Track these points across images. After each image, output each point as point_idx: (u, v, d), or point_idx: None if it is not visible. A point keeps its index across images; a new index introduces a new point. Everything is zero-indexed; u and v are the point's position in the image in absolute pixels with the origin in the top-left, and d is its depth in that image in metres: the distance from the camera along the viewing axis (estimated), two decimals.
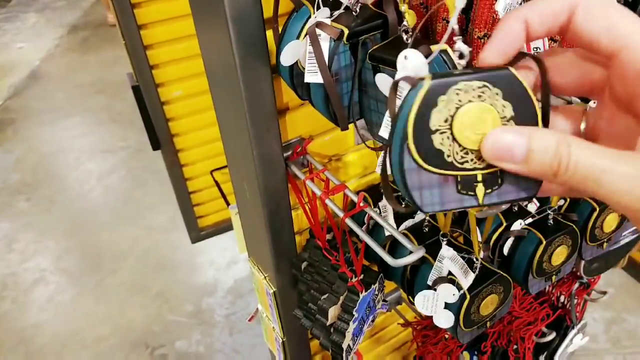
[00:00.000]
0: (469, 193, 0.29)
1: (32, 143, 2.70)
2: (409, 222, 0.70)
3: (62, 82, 3.20)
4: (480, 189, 0.29)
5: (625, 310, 1.75)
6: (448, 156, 0.28)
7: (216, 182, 1.37)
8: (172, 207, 1.90)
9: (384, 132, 0.35)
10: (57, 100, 3.03)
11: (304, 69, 0.46)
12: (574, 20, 0.27)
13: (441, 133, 0.28)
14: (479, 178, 0.28)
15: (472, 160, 0.28)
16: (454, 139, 0.28)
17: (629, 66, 0.26)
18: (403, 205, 0.36)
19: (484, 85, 0.27)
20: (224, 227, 1.60)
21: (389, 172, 0.31)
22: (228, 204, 1.29)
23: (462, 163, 0.28)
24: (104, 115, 2.87)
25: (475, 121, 0.27)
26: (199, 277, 1.93)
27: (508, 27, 0.27)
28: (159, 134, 1.28)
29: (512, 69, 0.27)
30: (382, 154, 0.51)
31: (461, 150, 0.28)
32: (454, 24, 0.28)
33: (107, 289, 1.91)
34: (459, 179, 0.28)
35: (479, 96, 0.27)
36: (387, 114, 0.33)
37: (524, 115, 0.27)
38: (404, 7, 0.36)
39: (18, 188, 2.41)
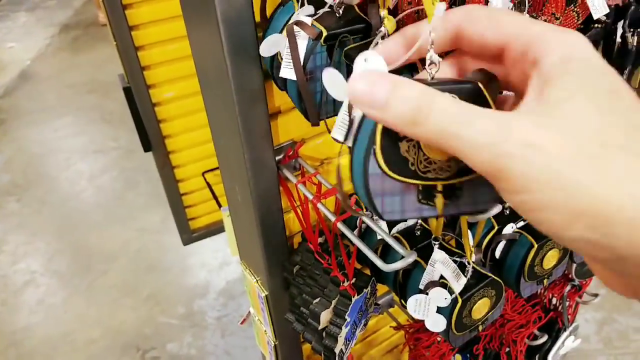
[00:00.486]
0: (429, 203, 0.29)
1: (22, 143, 2.68)
2: (401, 226, 0.69)
3: (53, 82, 3.18)
4: (439, 200, 0.29)
5: (616, 310, 1.76)
6: (412, 164, 0.28)
7: (208, 184, 1.36)
8: (164, 208, 1.89)
9: (338, 133, 0.34)
10: (48, 100, 3.00)
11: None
12: (462, 29, 0.28)
13: (408, 141, 0.28)
14: (439, 188, 0.29)
15: (434, 170, 0.28)
16: (419, 148, 0.28)
17: (515, 53, 0.26)
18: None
19: (452, 96, 0.27)
20: (216, 229, 1.59)
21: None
22: (220, 205, 1.28)
23: (424, 172, 0.28)
24: (95, 115, 2.85)
25: None
26: (190, 279, 1.92)
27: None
28: (150, 136, 1.28)
29: (479, 83, 0.27)
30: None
31: (425, 160, 0.28)
32: (431, 30, 0.28)
33: (98, 290, 1.90)
34: (420, 188, 0.29)
35: None
36: (341, 114, 0.32)
37: None
38: (383, 12, 0.36)
39: (8, 189, 2.39)
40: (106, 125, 2.76)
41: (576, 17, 0.56)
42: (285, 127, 0.63)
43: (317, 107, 0.46)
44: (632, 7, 0.58)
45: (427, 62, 0.29)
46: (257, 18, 0.50)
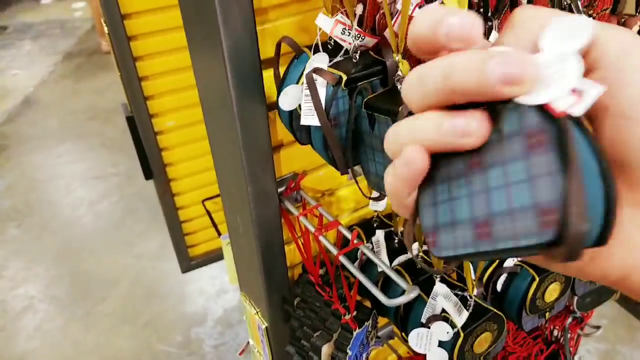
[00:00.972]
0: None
1: (24, 169, 2.69)
2: (402, 258, 0.69)
3: (55, 109, 3.20)
4: None
5: (619, 341, 1.74)
6: None
7: (207, 211, 1.36)
8: (163, 234, 1.89)
9: None
10: (50, 127, 3.02)
11: None
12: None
13: None
14: None
15: None
16: None
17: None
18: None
19: None
20: (214, 256, 1.58)
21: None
22: (219, 233, 1.28)
23: None
24: (95, 141, 2.87)
25: None
26: (188, 307, 1.90)
27: None
28: (152, 164, 1.28)
29: None
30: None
31: None
32: None
33: (96, 317, 1.88)
34: None
35: None
36: None
37: None
38: (397, 57, 0.36)
39: (9, 214, 2.38)
40: (106, 152, 2.77)
41: None
42: (287, 160, 0.64)
43: (344, 154, 0.46)
44: None
45: None
46: (263, 55, 0.51)
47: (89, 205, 2.41)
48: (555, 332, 0.98)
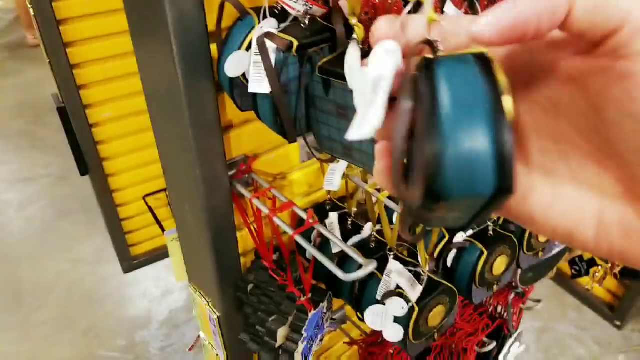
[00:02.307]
0: None
1: None
2: (355, 238, 0.70)
3: None
4: None
5: (552, 319, 1.84)
6: None
7: (150, 207, 1.31)
8: (101, 236, 1.81)
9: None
10: None
11: (246, 79, 0.45)
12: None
13: None
14: None
15: None
16: None
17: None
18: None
19: None
20: (158, 255, 1.53)
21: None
22: (163, 230, 1.24)
23: None
24: (23, 141, 2.70)
25: None
26: (131, 310, 1.83)
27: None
28: (87, 158, 1.22)
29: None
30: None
31: None
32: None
33: (30, 326, 1.77)
34: None
35: None
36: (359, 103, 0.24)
37: None
38: (354, 21, 0.36)
39: None
40: (35, 152, 2.61)
41: None
42: (237, 142, 0.62)
43: (294, 122, 0.45)
44: None
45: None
46: (210, 28, 0.49)
47: (18, 209, 2.27)
48: (499, 309, 1.02)
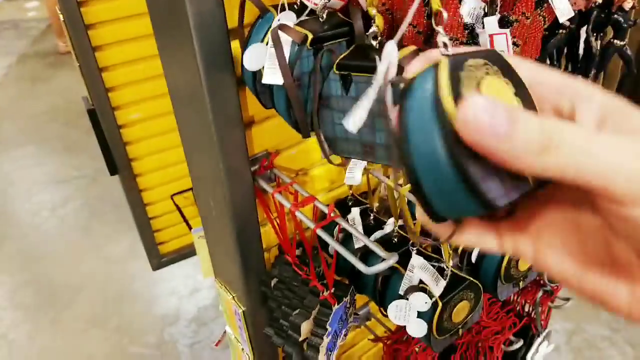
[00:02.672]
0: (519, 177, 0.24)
1: None
2: (378, 234, 0.70)
3: (12, 112, 3.09)
4: None
5: (585, 320, 1.79)
6: None
7: (177, 206, 1.33)
8: (131, 235, 1.84)
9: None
10: (7, 131, 2.92)
11: None
12: None
13: None
14: None
15: None
16: None
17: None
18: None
19: (486, 63, 0.24)
20: (186, 253, 1.55)
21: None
22: (190, 228, 1.26)
23: None
24: (57, 144, 2.78)
25: (498, 94, 0.24)
26: (160, 307, 1.87)
27: None
28: (116, 159, 1.25)
29: (498, 51, 0.26)
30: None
31: None
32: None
33: (64, 323, 1.82)
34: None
35: (487, 73, 0.24)
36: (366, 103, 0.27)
37: (523, 95, 0.25)
38: (373, 11, 0.36)
39: None
40: (69, 155, 2.69)
41: (542, 21, 0.58)
42: (259, 138, 0.63)
43: (308, 117, 0.45)
44: (595, 12, 0.60)
45: (441, 44, 0.26)
46: (230, 24, 0.50)
47: (52, 210, 2.33)
48: (527, 307, 1.01)
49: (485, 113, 0.22)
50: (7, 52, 3.79)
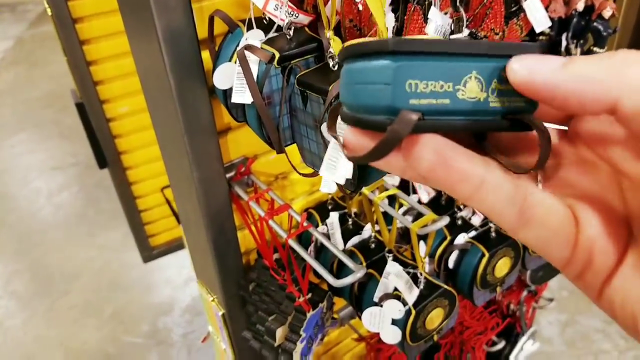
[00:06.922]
0: None
1: None
2: (355, 239, 0.70)
3: (8, 97, 3.08)
4: None
5: (578, 312, 1.80)
6: None
7: (167, 199, 1.34)
8: (125, 224, 1.85)
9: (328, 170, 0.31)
10: (3, 116, 2.91)
11: None
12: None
13: None
14: None
15: None
16: None
17: None
18: None
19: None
20: (176, 245, 1.56)
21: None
22: (179, 221, 1.26)
23: None
24: (52, 130, 2.77)
25: None
26: (154, 296, 1.88)
27: None
28: (105, 152, 1.25)
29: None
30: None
31: None
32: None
33: (59, 311, 1.84)
34: None
35: None
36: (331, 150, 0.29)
37: None
38: (329, 34, 0.36)
39: None
40: (64, 141, 2.68)
41: (519, 31, 0.57)
42: (235, 144, 0.63)
43: (280, 133, 0.45)
44: (575, 19, 0.59)
45: None
46: (200, 35, 0.49)
47: (48, 196, 2.34)
48: (511, 307, 1.01)
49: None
50: (3, 36, 3.77)
